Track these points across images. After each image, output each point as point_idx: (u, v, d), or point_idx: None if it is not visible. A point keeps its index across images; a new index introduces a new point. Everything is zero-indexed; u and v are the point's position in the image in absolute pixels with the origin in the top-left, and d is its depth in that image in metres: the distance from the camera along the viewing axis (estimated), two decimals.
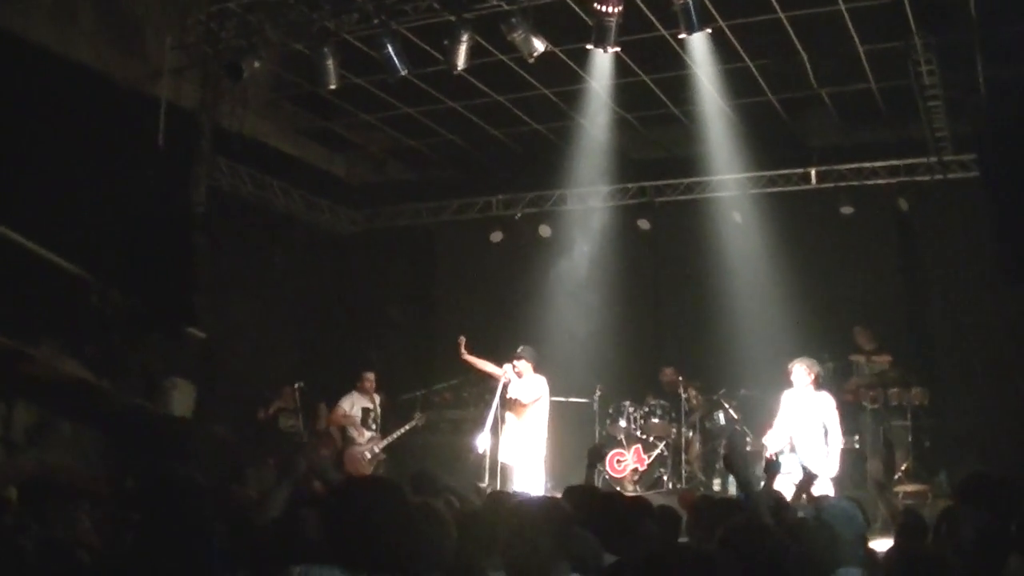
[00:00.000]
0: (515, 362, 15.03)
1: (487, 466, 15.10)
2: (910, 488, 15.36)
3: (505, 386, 15.07)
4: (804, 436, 13.29)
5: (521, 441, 14.90)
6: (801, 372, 13.47)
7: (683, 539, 6.99)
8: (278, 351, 18.73)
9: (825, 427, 13.29)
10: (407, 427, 16.66)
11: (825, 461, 13.06)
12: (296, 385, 16.73)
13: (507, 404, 15.11)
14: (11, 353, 11.80)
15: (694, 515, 7.34)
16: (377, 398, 16.94)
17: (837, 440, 13.33)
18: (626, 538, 5.98)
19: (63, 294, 13.54)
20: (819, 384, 13.61)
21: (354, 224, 21.16)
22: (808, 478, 9.58)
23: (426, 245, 21.78)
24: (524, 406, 14.96)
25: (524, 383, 15.05)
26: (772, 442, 13.47)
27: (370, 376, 16.90)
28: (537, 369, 15.24)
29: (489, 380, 16.09)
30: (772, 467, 8.00)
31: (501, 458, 14.95)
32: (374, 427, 16.69)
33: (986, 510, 5.81)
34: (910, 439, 16.20)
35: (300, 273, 19.43)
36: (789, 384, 13.62)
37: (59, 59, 14.41)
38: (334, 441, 17.04)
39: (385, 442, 16.55)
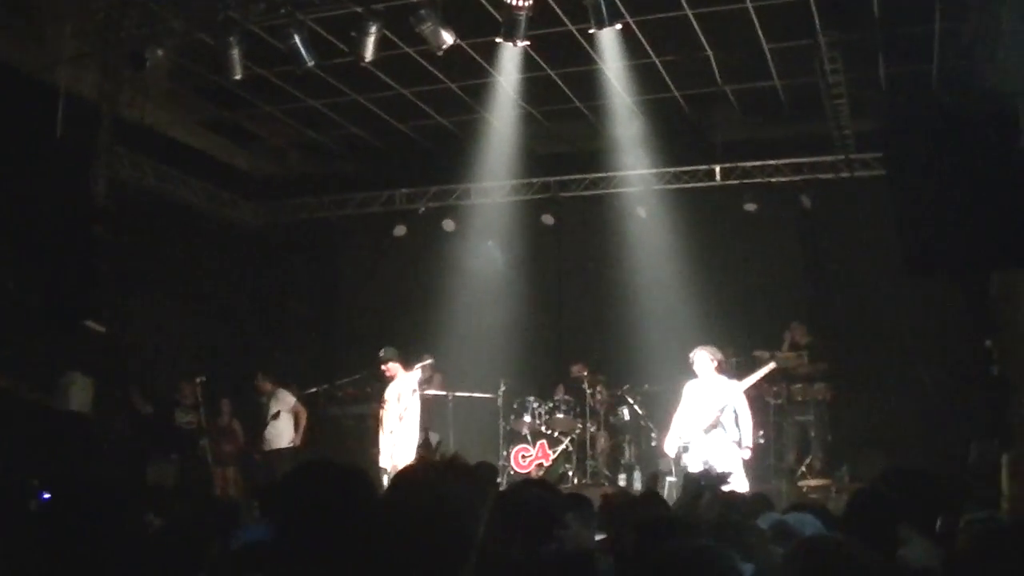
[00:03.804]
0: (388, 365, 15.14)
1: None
2: (814, 483, 15.54)
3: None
4: (711, 426, 13.24)
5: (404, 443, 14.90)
6: (704, 359, 13.39)
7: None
8: (180, 345, 18.48)
9: (736, 412, 13.25)
10: None
11: (734, 450, 13.06)
12: (198, 380, 16.56)
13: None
14: None
15: (606, 510, 7.35)
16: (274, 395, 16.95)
17: (749, 425, 13.30)
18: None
19: None
20: (722, 370, 13.58)
21: (257, 217, 20.94)
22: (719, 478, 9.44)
23: (329, 239, 21.61)
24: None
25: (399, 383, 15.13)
26: (671, 443, 13.39)
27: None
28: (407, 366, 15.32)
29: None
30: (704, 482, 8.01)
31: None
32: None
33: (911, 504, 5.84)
34: (813, 434, 16.38)
35: (202, 266, 19.19)
36: (693, 376, 13.60)
37: None
38: (237, 436, 16.96)
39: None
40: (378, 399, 15.97)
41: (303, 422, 16.86)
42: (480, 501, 3.59)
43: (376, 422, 15.38)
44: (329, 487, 3.71)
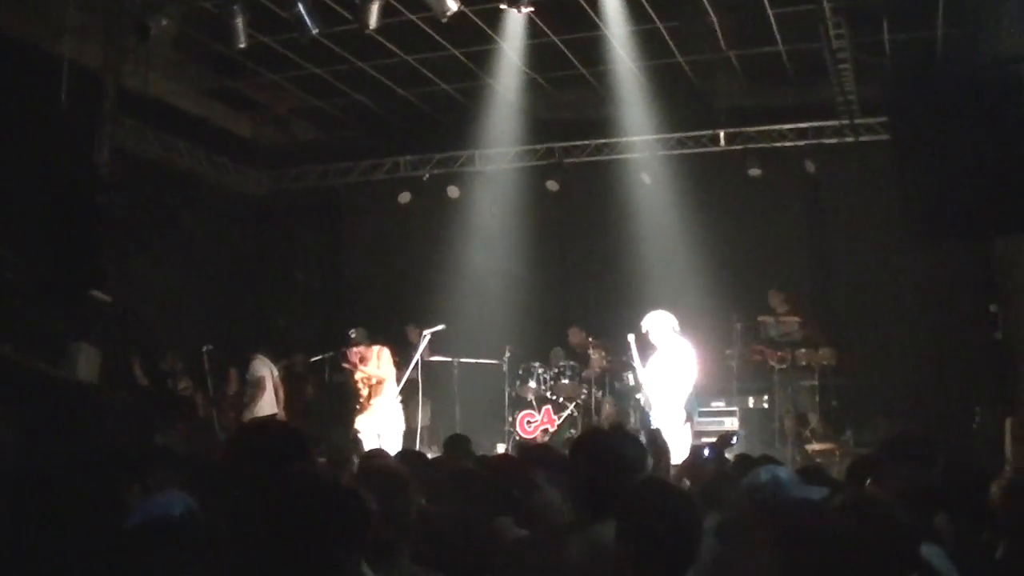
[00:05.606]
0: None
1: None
2: (818, 447, 15.60)
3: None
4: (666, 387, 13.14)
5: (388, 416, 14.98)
6: (658, 324, 13.19)
7: None
8: (185, 314, 18.51)
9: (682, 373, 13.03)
10: None
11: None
12: (204, 348, 16.57)
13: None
14: None
15: None
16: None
17: (688, 386, 13.14)
18: None
19: None
20: (678, 332, 13.22)
21: (261, 185, 20.94)
22: (722, 441, 9.34)
23: (334, 206, 21.62)
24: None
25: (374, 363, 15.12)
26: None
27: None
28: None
29: (404, 342, 16.26)
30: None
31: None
32: None
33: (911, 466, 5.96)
34: (817, 399, 16.42)
35: (207, 235, 19.19)
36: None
37: None
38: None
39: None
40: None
41: (257, 396, 16.64)
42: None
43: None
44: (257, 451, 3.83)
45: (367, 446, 13.86)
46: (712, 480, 6.88)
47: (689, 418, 13.04)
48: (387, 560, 4.48)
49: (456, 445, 9.73)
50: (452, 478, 6.28)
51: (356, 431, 14.77)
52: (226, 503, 3.83)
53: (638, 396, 14.69)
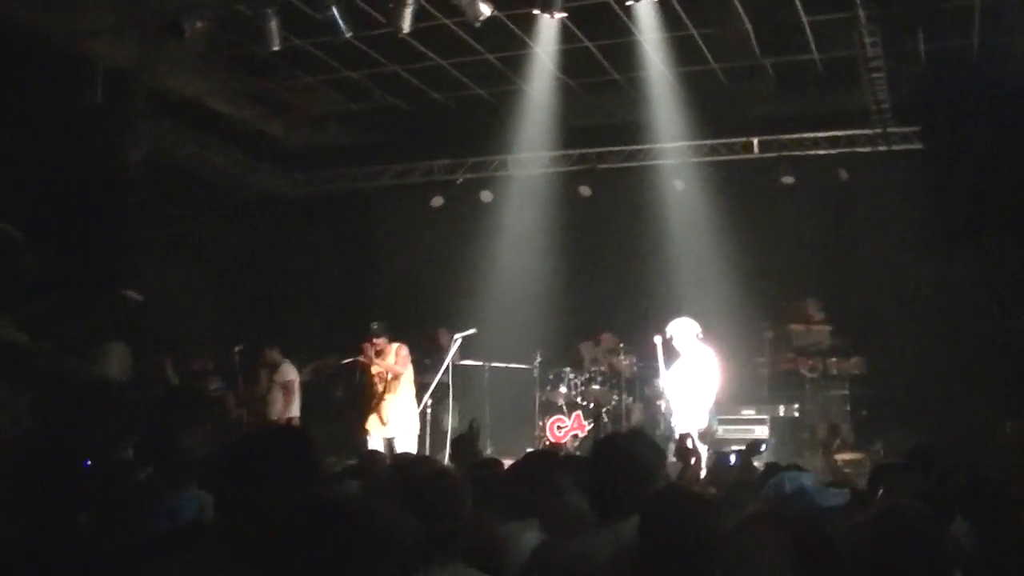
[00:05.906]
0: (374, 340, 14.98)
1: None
2: (848, 456, 15.47)
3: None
4: (688, 393, 13.23)
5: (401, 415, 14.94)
6: (682, 331, 13.35)
7: None
8: (215, 314, 18.55)
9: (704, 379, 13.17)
10: None
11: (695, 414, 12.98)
12: (236, 348, 16.61)
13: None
14: None
15: None
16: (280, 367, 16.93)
17: (710, 392, 13.21)
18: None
19: None
20: (701, 339, 13.42)
21: (294, 187, 20.97)
22: (749, 449, 9.32)
23: (367, 209, 21.60)
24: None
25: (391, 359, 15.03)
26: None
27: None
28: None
29: (433, 346, 16.24)
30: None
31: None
32: None
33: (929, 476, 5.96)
34: (848, 408, 16.35)
35: (238, 235, 19.24)
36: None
37: None
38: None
39: None
40: (419, 369, 15.92)
41: (287, 400, 16.66)
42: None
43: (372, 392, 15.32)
44: (261, 457, 3.82)
45: (373, 446, 13.87)
46: (735, 486, 6.88)
47: (709, 427, 13.04)
48: (440, 561, 4.48)
49: (463, 446, 9.68)
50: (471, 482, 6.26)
51: (366, 430, 14.72)
52: (231, 505, 3.82)
53: (659, 403, 14.67)
